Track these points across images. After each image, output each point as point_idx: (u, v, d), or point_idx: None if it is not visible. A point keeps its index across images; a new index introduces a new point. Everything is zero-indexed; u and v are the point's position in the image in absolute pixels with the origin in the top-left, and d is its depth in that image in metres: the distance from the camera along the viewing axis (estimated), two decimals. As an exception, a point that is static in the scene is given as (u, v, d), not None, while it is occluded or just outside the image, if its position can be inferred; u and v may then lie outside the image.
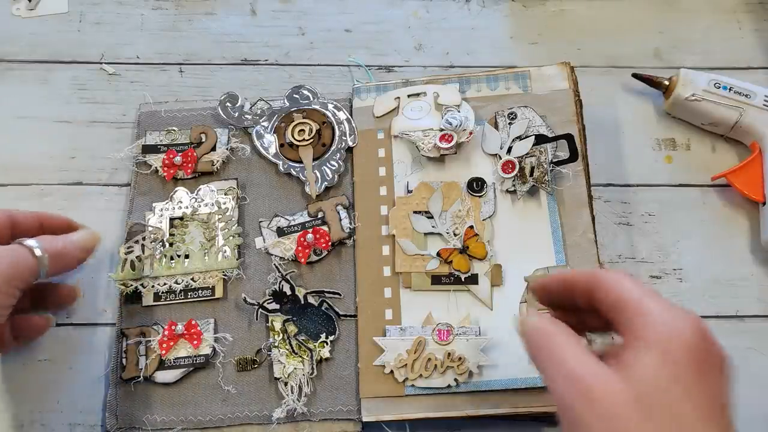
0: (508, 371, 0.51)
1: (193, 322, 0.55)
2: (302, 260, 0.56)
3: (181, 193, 0.59)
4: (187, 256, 0.57)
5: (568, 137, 0.56)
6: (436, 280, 0.54)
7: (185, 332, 0.54)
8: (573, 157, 0.56)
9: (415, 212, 0.56)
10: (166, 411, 0.53)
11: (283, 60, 0.68)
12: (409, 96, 0.62)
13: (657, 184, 0.62)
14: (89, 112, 0.65)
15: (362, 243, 0.57)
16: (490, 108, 0.60)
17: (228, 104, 0.62)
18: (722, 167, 0.61)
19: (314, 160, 0.60)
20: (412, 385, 0.51)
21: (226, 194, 0.59)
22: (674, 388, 0.31)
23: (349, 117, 0.62)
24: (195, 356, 0.54)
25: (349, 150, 0.61)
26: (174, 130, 0.62)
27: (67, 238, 0.50)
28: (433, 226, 0.56)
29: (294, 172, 0.60)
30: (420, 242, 0.55)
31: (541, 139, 0.57)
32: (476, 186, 0.56)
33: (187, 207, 0.58)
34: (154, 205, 0.59)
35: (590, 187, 0.57)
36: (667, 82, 0.63)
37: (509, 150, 0.58)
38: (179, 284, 0.56)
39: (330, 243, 0.57)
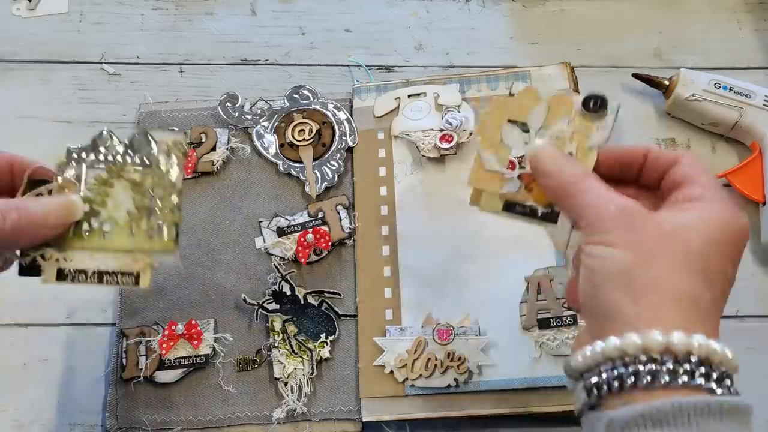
0: (508, 371, 0.51)
1: (193, 322, 0.55)
2: (302, 260, 0.56)
3: (108, 137, 0.43)
4: (107, 228, 0.42)
5: (569, 137, 0.56)
6: (510, 206, 0.43)
7: (185, 332, 0.54)
8: (573, 157, 0.56)
9: (510, 121, 0.44)
10: (166, 411, 0.53)
11: (283, 60, 0.68)
12: (409, 96, 0.62)
13: (657, 184, 0.62)
14: (89, 112, 0.65)
15: (362, 243, 0.57)
16: (490, 108, 0.60)
17: (228, 104, 0.62)
18: (722, 167, 0.61)
19: (314, 160, 0.60)
20: (412, 385, 0.51)
21: (169, 153, 0.43)
22: (709, 246, 0.32)
23: (349, 117, 0.62)
24: (195, 356, 0.54)
25: (349, 150, 0.61)
26: (174, 130, 0.62)
27: (28, 208, 0.39)
28: (526, 143, 0.44)
29: (294, 172, 0.60)
30: (504, 158, 0.43)
31: (541, 139, 0.57)
32: (593, 105, 0.44)
33: (114, 158, 0.43)
34: (70, 147, 0.43)
35: (590, 187, 0.57)
36: (667, 82, 0.63)
37: (509, 150, 0.57)
38: (93, 263, 0.42)
39: (330, 243, 0.57)
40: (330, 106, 0.62)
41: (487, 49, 0.68)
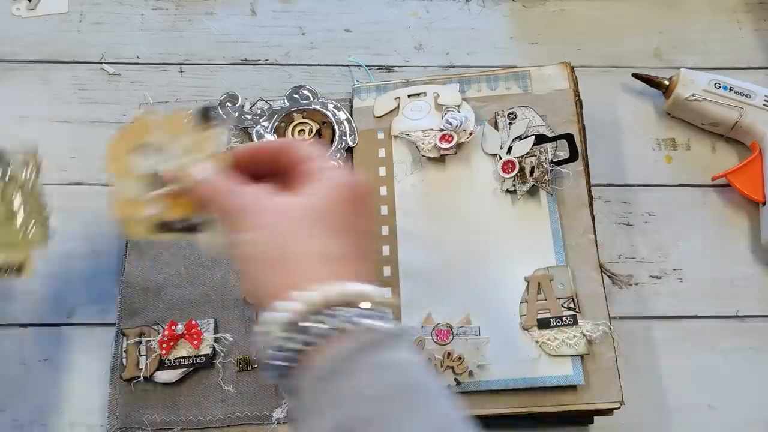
0: (508, 371, 0.51)
1: (194, 322, 0.55)
2: None
3: None
4: None
5: (568, 137, 0.56)
6: (162, 227, 0.44)
7: (185, 332, 0.54)
8: (573, 157, 0.56)
9: (134, 150, 0.45)
10: (166, 411, 0.53)
11: (283, 60, 0.68)
12: (409, 96, 0.62)
13: (657, 184, 0.62)
14: (89, 112, 0.65)
15: (362, 243, 0.57)
16: (490, 108, 0.60)
17: (228, 104, 0.62)
18: (722, 167, 0.61)
19: None
20: (412, 385, 0.51)
21: (27, 163, 0.50)
22: (337, 207, 0.37)
23: (349, 117, 0.62)
24: (195, 356, 0.54)
25: (349, 150, 0.61)
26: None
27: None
28: (155, 163, 0.45)
29: None
30: (141, 183, 0.44)
31: (541, 139, 0.57)
32: (203, 117, 0.45)
33: None
34: None
35: (590, 187, 0.57)
36: (667, 82, 0.63)
37: (509, 150, 0.58)
38: None
39: (330, 243, 0.56)
40: (330, 106, 0.62)
41: (487, 49, 0.68)
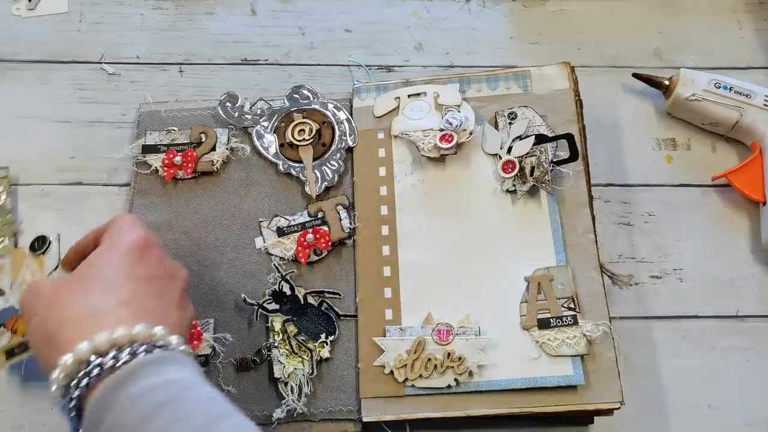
0: (508, 371, 0.51)
1: (193, 322, 0.55)
2: (302, 260, 0.56)
3: None
4: None
5: (569, 137, 0.56)
6: (10, 353, 0.53)
7: (185, 332, 0.54)
8: (573, 157, 0.56)
9: None
10: (166, 411, 0.53)
11: (283, 60, 0.68)
12: (409, 96, 0.61)
13: (657, 184, 0.62)
14: (89, 112, 0.65)
15: (362, 243, 0.57)
16: (490, 108, 0.60)
17: (228, 104, 0.62)
18: (722, 167, 0.61)
19: (314, 159, 0.60)
20: (412, 385, 0.51)
21: None
22: (110, 264, 0.42)
23: (349, 117, 0.62)
24: (195, 356, 0.54)
25: (349, 150, 0.61)
26: (174, 130, 0.62)
27: None
28: (6, 302, 0.54)
29: (294, 172, 0.60)
30: None
31: (541, 139, 0.57)
32: (37, 245, 0.57)
33: None
34: None
35: (590, 187, 0.57)
36: (667, 82, 0.63)
37: (509, 150, 0.58)
38: None
39: (330, 243, 0.57)
40: (330, 106, 0.62)
41: (487, 49, 0.68)
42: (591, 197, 0.56)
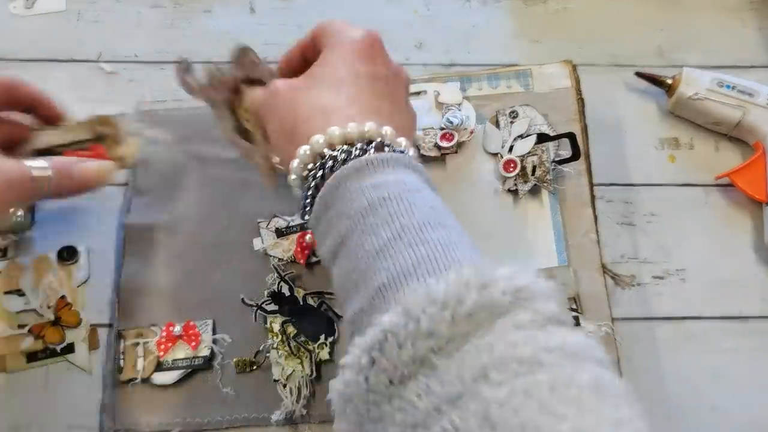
0: (509, 373, 0.51)
1: (192, 324, 0.54)
2: (301, 261, 0.56)
3: None
4: None
5: (570, 136, 0.56)
6: (32, 357, 0.55)
7: (183, 333, 0.54)
8: (575, 156, 0.55)
9: (6, 292, 0.56)
10: (164, 413, 0.53)
11: (282, 58, 0.67)
12: (409, 94, 0.61)
13: (660, 183, 0.62)
14: (87, 111, 0.65)
15: (362, 243, 0.57)
16: (491, 106, 0.60)
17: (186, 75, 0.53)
18: (725, 167, 0.61)
19: None
20: (413, 387, 0.51)
21: None
22: (338, 64, 0.44)
23: None
24: (193, 358, 0.53)
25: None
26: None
27: (80, 163, 0.50)
28: (26, 303, 0.56)
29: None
30: (12, 322, 0.55)
31: (542, 138, 0.56)
32: (67, 254, 0.57)
33: None
34: None
35: (593, 187, 0.56)
36: (670, 81, 0.63)
37: (511, 149, 0.57)
38: None
39: (329, 243, 0.56)
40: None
41: (488, 47, 0.68)
42: (593, 197, 0.56)
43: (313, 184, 0.40)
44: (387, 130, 0.41)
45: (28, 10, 0.69)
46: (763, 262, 0.59)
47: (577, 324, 0.51)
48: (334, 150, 0.40)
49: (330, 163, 0.39)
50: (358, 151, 0.39)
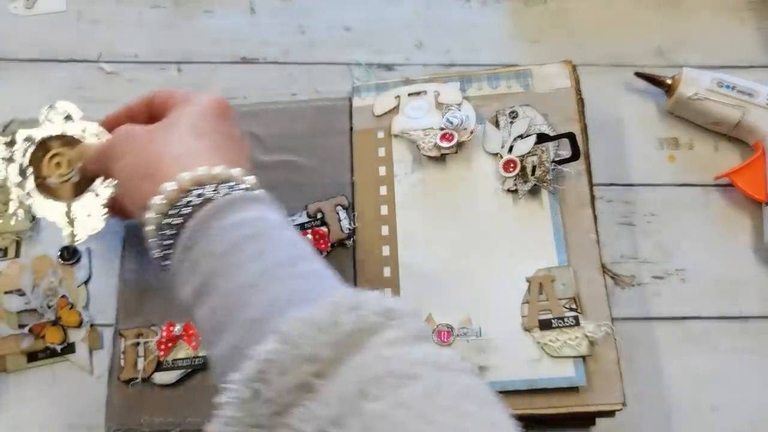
0: (509, 372, 0.51)
1: (192, 324, 0.54)
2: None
3: None
4: None
5: (570, 136, 0.56)
6: (33, 357, 0.55)
7: (183, 333, 0.54)
8: (575, 156, 0.55)
9: (6, 292, 0.57)
10: (164, 413, 0.53)
11: (282, 58, 0.68)
12: (409, 95, 0.61)
13: (659, 183, 0.62)
14: (87, 111, 0.65)
15: (362, 243, 0.57)
16: (491, 107, 0.60)
17: None
18: (725, 167, 0.61)
19: (77, 196, 0.51)
20: (413, 387, 0.51)
21: (11, 159, 0.52)
22: (194, 118, 0.45)
23: None
24: (194, 358, 0.53)
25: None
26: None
27: None
28: (26, 303, 0.56)
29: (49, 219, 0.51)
30: (13, 321, 0.56)
31: (542, 138, 0.56)
32: (67, 255, 0.58)
33: None
34: None
35: (592, 187, 0.56)
36: (669, 81, 0.63)
37: (510, 149, 0.57)
38: None
39: (329, 244, 0.56)
40: (91, 129, 0.52)
41: (488, 48, 0.68)
42: (593, 197, 0.56)
43: (174, 222, 0.39)
44: (250, 178, 0.42)
45: (28, 11, 0.69)
46: (762, 262, 0.59)
47: (577, 323, 0.51)
48: (199, 188, 0.39)
49: (197, 200, 0.39)
50: (226, 190, 0.39)
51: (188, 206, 0.39)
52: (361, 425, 0.29)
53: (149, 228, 0.41)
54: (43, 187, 0.51)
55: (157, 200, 0.40)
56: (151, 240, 0.41)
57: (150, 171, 0.42)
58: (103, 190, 0.50)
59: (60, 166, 0.51)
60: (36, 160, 0.51)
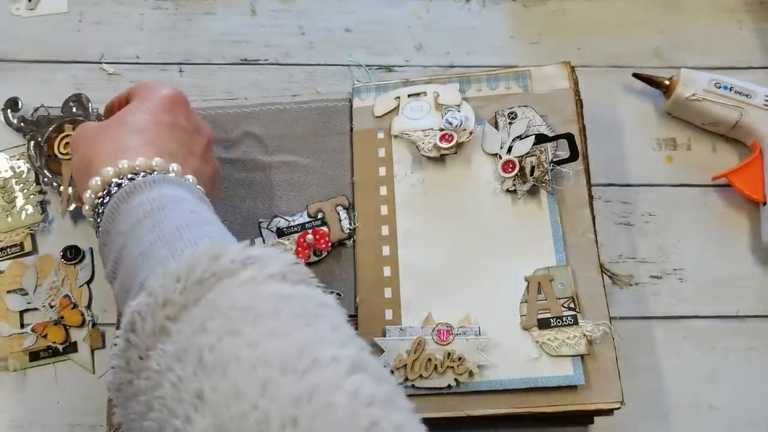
0: (508, 371, 0.51)
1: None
2: (302, 261, 0.56)
3: None
4: None
5: (569, 137, 0.56)
6: (35, 356, 0.56)
7: (185, 332, 0.54)
8: (573, 157, 0.56)
9: (8, 291, 0.57)
10: (165, 411, 0.53)
11: (283, 60, 0.68)
12: (409, 96, 0.61)
13: (657, 183, 0.62)
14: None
15: (362, 243, 0.57)
16: (490, 107, 0.60)
17: (9, 111, 0.63)
18: (723, 167, 0.61)
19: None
20: (412, 386, 0.51)
21: (18, 159, 0.62)
22: (140, 111, 0.48)
23: None
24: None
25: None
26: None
27: None
28: (28, 303, 0.57)
29: (54, 186, 0.60)
30: (15, 321, 0.56)
31: (541, 139, 0.57)
32: (70, 254, 0.58)
33: None
34: None
35: (591, 187, 0.57)
36: (667, 82, 0.63)
37: (509, 149, 0.57)
38: None
39: (329, 244, 0.56)
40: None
41: (487, 49, 0.68)
42: (591, 197, 0.56)
43: (100, 211, 0.43)
44: (174, 165, 0.44)
45: (30, 12, 0.69)
46: (760, 261, 0.59)
47: (576, 323, 0.51)
48: (118, 180, 0.43)
49: (115, 189, 0.42)
50: (139, 179, 0.42)
51: (108, 196, 0.42)
52: (195, 356, 0.32)
53: (89, 220, 0.45)
54: (51, 161, 0.61)
55: (87, 194, 0.43)
56: (94, 230, 0.44)
57: (87, 166, 0.45)
58: None
59: (69, 146, 0.60)
60: (50, 139, 0.61)
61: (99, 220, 0.43)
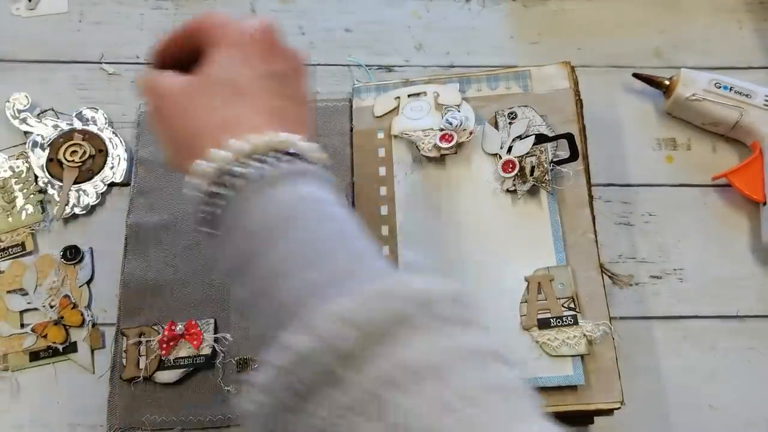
0: (508, 371, 0.51)
1: (193, 322, 0.55)
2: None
3: None
4: None
5: (569, 137, 0.56)
6: (35, 356, 0.56)
7: (185, 332, 0.54)
8: (573, 157, 0.56)
9: (8, 291, 0.57)
10: (166, 411, 0.53)
11: (283, 60, 0.68)
12: (409, 96, 0.61)
13: (657, 183, 0.62)
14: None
15: (362, 243, 0.57)
16: (490, 107, 0.60)
17: (16, 103, 0.63)
18: (723, 167, 0.61)
19: (75, 183, 0.61)
20: (413, 386, 0.51)
21: (18, 158, 0.62)
22: (230, 65, 0.39)
23: (133, 155, 0.62)
24: (195, 356, 0.54)
25: (112, 185, 0.61)
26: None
27: None
28: (28, 303, 0.57)
29: (51, 190, 0.60)
30: (15, 321, 0.56)
31: (541, 139, 0.57)
32: (70, 254, 0.58)
33: None
34: None
35: (591, 187, 0.57)
36: (667, 82, 0.63)
37: (509, 149, 0.57)
38: None
39: (330, 243, 0.56)
40: (115, 138, 0.62)
41: (487, 49, 0.68)
42: (591, 197, 0.56)
43: (211, 201, 0.37)
44: (295, 138, 0.37)
45: (30, 12, 0.69)
46: (760, 261, 0.59)
47: (576, 323, 0.51)
48: (238, 164, 0.36)
49: (233, 178, 0.36)
50: (264, 166, 0.36)
51: (222, 185, 0.36)
52: (378, 412, 0.29)
53: (191, 197, 0.38)
54: (52, 164, 0.61)
55: (194, 180, 0.37)
56: (194, 211, 0.38)
57: (185, 144, 0.38)
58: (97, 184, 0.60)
59: (75, 155, 0.61)
60: (56, 143, 0.61)
61: (208, 208, 0.37)
